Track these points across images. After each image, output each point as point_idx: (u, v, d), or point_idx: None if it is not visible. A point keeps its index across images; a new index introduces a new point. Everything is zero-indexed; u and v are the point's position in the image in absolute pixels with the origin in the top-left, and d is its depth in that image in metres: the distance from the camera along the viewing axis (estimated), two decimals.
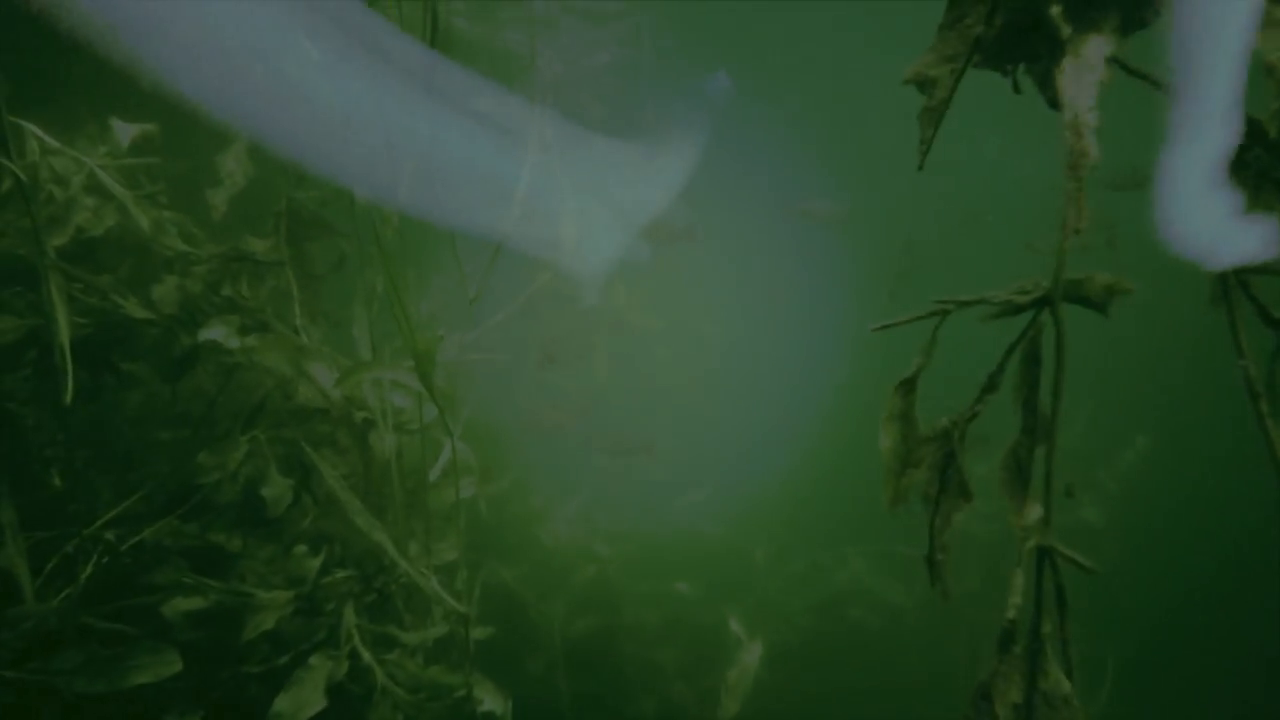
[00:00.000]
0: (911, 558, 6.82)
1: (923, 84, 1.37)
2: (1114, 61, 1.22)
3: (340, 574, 2.84)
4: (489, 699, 2.95)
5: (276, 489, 2.89)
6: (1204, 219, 1.31)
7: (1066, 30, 1.20)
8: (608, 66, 5.61)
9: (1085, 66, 1.18)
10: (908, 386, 1.60)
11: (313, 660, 2.46)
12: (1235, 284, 1.49)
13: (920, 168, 1.38)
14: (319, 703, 2.45)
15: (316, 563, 2.69)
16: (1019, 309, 1.51)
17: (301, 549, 2.70)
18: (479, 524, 5.09)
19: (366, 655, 2.64)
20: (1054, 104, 1.25)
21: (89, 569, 2.50)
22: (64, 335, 2.41)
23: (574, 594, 6.58)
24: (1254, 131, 1.35)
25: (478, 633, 3.27)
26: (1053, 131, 1.27)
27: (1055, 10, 1.21)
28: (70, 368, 2.42)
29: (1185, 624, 7.72)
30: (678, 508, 7.39)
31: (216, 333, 2.84)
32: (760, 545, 7.01)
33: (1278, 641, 6.74)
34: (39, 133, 2.81)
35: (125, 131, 3.09)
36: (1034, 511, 1.53)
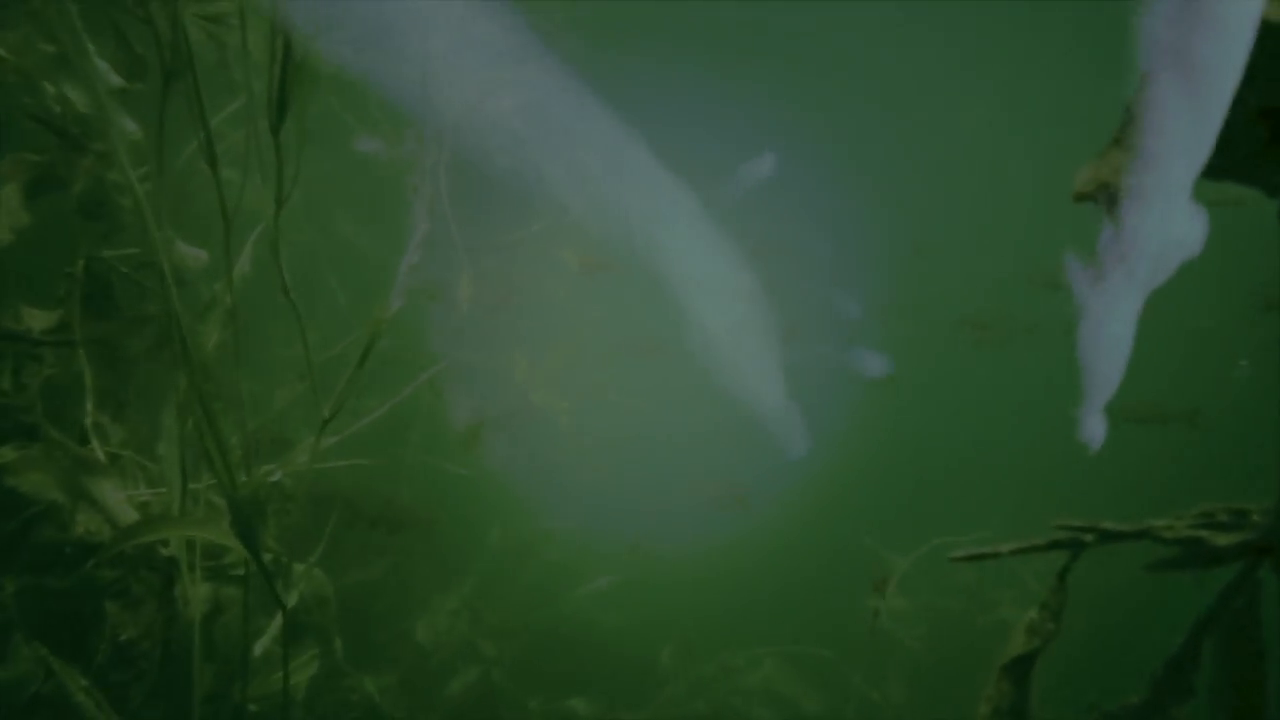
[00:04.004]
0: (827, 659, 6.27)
1: (1108, 200, 0.76)
2: None
3: None
4: None
5: (19, 669, 2.03)
6: None
7: None
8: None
9: None
10: (1020, 669, 0.98)
11: None
12: None
13: None
14: None
15: None
16: (1215, 559, 0.93)
17: None
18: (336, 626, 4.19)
19: None
20: None
21: None
22: None
23: (451, 705, 5.75)
24: None
25: None
26: None
27: None
28: None
29: None
30: (577, 598, 6.63)
31: None
32: (667, 644, 6.30)
33: None
34: None
35: None
36: None
